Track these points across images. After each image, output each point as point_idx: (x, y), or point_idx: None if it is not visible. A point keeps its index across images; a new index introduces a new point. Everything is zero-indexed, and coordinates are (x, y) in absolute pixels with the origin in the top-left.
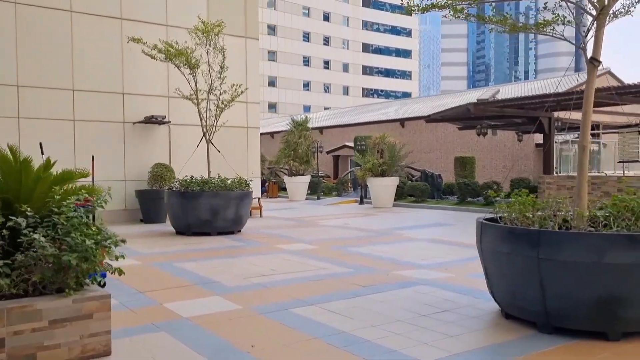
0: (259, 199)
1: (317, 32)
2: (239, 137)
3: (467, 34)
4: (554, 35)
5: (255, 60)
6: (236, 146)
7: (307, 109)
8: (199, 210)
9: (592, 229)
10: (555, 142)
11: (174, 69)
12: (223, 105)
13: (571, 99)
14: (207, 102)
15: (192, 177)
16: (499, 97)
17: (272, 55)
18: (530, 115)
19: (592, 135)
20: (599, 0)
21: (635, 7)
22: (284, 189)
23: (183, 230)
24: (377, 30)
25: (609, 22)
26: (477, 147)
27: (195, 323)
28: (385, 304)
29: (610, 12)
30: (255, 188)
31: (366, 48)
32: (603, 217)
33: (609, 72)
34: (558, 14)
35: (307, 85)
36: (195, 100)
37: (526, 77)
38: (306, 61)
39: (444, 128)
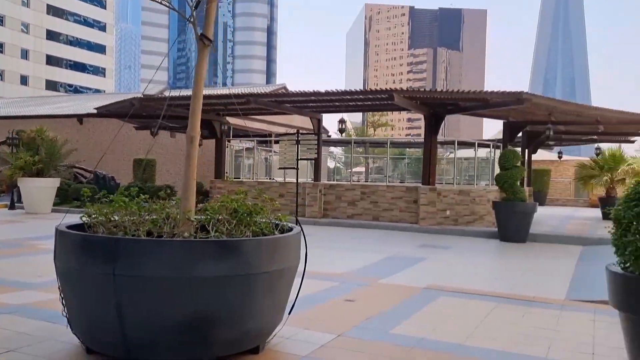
0: None
1: None
2: None
3: (168, 38)
4: (162, 3)
5: None
6: None
7: None
8: None
9: (188, 235)
10: (231, 147)
11: None
12: None
13: (239, 103)
14: None
15: None
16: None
17: None
18: (204, 118)
19: (264, 143)
20: None
21: None
22: None
23: None
24: (67, 18)
25: None
26: (162, 151)
27: None
28: None
29: None
30: None
31: (53, 36)
32: (204, 221)
33: (284, 88)
34: None
35: None
36: None
37: None
38: None
39: (127, 128)
